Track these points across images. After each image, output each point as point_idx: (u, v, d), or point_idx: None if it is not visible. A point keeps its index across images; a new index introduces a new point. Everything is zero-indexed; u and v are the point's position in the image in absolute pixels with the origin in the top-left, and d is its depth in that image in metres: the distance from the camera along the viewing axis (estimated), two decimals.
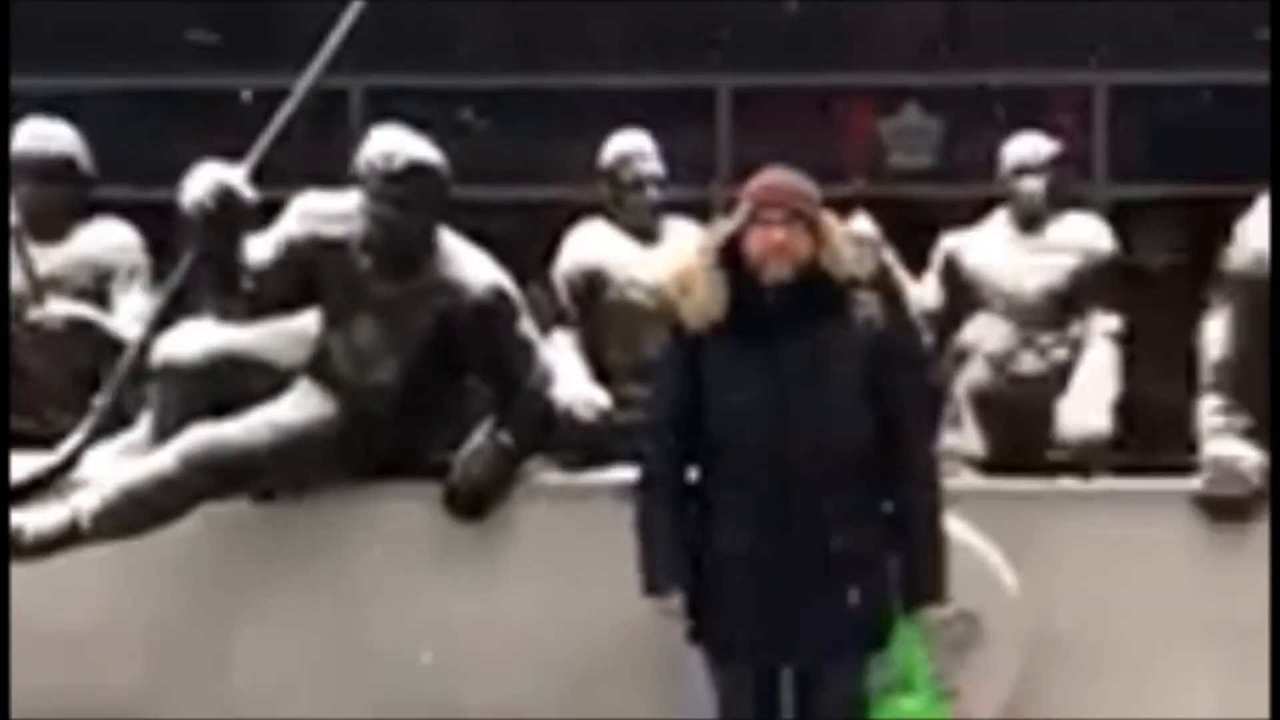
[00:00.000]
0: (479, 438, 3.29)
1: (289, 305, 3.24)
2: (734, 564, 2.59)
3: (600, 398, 3.55)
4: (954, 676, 3.11)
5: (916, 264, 4.11)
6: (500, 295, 3.24)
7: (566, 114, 6.14)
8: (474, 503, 3.26)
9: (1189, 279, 5.46)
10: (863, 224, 3.81)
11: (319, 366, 3.27)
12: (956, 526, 3.05)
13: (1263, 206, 3.39)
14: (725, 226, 2.70)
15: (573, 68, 6.02)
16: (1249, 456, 3.29)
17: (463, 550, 3.29)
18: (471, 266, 3.23)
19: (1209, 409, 3.40)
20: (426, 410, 3.28)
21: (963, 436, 3.92)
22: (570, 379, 3.56)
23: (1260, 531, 3.31)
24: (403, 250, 3.17)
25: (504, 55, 6.03)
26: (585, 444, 3.47)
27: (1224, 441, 3.34)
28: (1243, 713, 3.23)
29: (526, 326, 3.32)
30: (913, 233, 4.30)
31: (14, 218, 3.64)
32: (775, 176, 2.69)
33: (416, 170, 3.11)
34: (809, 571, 2.55)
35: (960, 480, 3.62)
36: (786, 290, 2.61)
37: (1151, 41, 5.76)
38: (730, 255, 2.65)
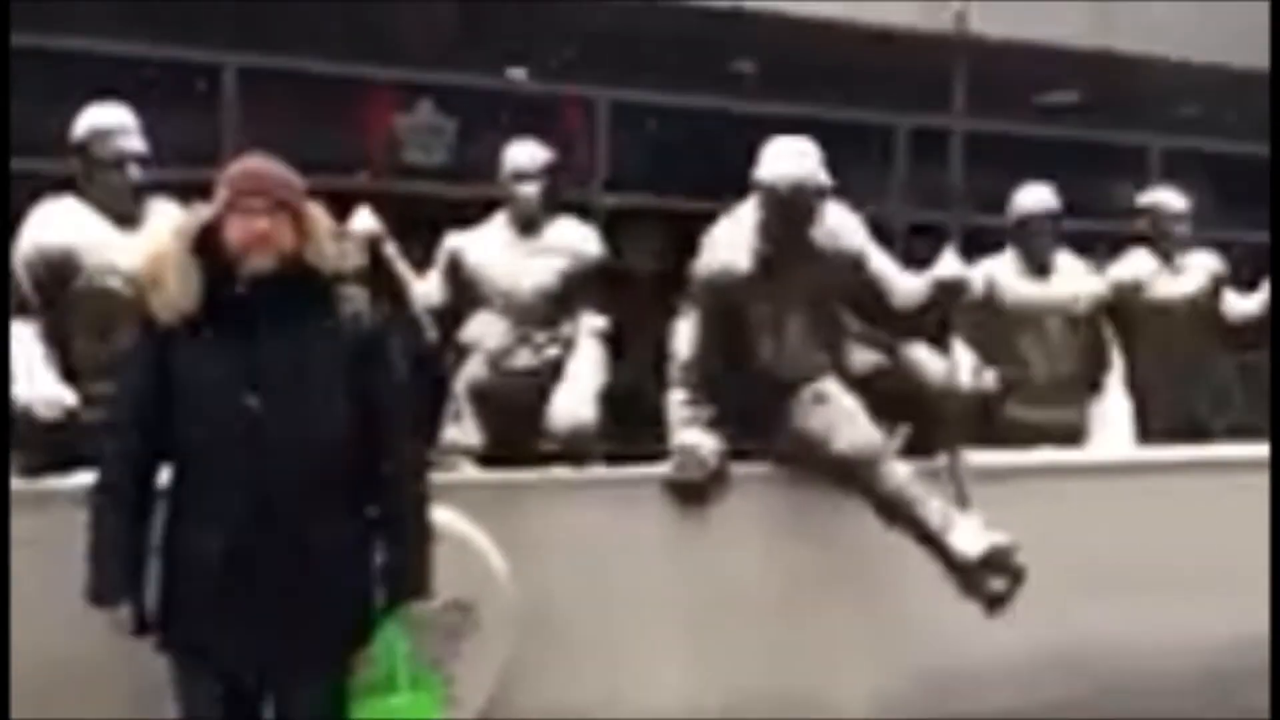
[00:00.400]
0: None
1: None
2: (204, 569, 2.49)
3: (65, 395, 3.26)
4: (448, 665, 3.20)
5: (425, 261, 4.20)
6: None
7: (53, 79, 5.58)
8: None
9: (673, 284, 6.14)
10: (364, 218, 3.84)
11: None
12: (450, 518, 3.17)
13: (724, 222, 3.81)
14: (202, 212, 2.58)
15: (66, 30, 5.48)
16: (708, 444, 3.68)
17: None
18: None
19: (676, 401, 3.77)
20: None
21: (462, 430, 3.99)
22: (31, 375, 3.25)
23: (721, 514, 3.69)
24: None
25: None
26: (47, 446, 3.18)
27: (689, 431, 3.71)
28: (709, 689, 3.59)
29: None
30: (424, 230, 4.37)
31: None
32: (257, 164, 2.61)
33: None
34: (284, 576, 2.49)
35: (454, 473, 3.73)
36: (267, 283, 2.53)
37: (651, 64, 6.21)
38: (207, 244, 2.54)
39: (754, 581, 3.72)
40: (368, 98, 6.32)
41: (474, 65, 6.19)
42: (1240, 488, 4.18)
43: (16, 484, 3.13)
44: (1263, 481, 4.19)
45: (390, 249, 3.90)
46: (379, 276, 3.76)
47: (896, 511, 3.59)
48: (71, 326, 3.49)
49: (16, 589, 2.92)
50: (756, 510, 3.75)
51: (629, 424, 4.24)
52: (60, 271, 3.48)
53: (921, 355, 3.85)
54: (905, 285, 3.81)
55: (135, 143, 3.59)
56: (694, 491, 3.68)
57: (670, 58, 6.15)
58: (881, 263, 3.83)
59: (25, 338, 3.41)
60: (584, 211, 5.02)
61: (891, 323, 3.81)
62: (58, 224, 3.52)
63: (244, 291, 2.52)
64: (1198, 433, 4.70)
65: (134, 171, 3.57)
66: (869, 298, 3.77)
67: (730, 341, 3.74)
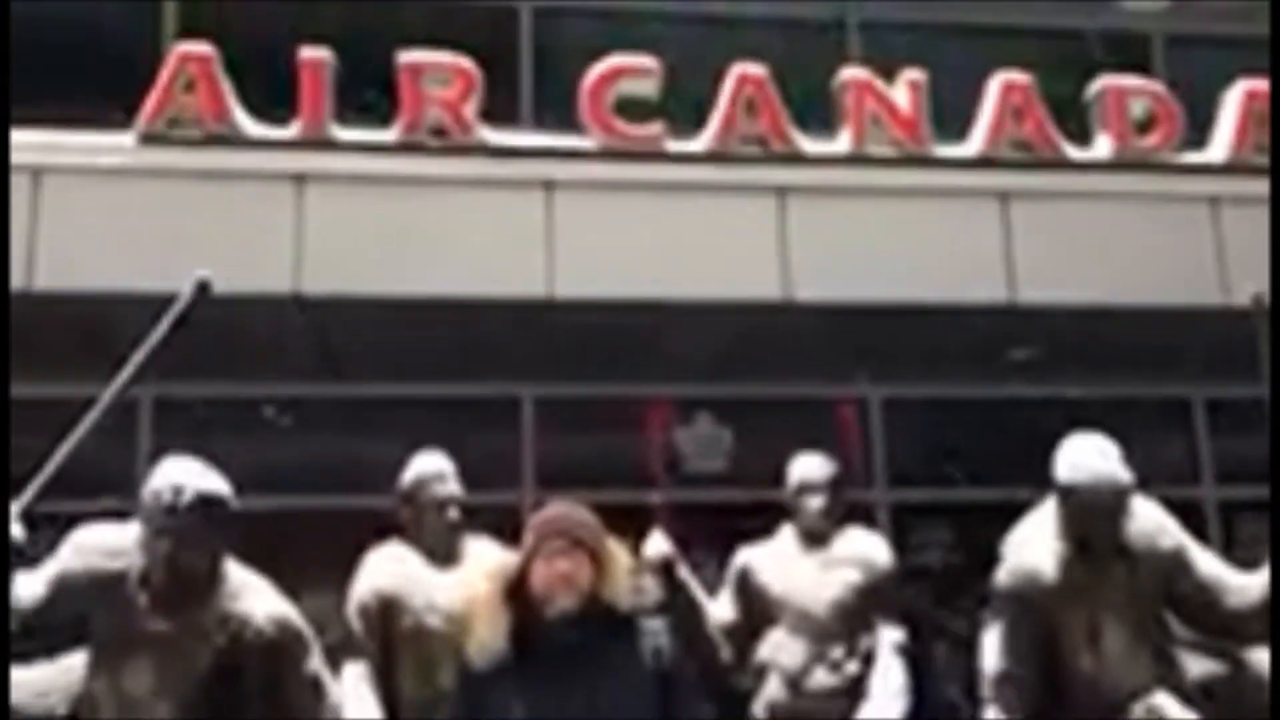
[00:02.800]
0: None
1: (53, 649, 3.04)
2: None
3: None
4: None
5: (709, 566, 4.24)
6: (286, 629, 3.12)
7: (370, 420, 6.19)
8: None
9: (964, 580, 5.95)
10: (658, 542, 3.91)
11: (84, 712, 3.04)
12: None
13: (1024, 524, 3.66)
14: (512, 560, 2.73)
15: (377, 376, 6.11)
16: None
17: None
18: (255, 598, 3.13)
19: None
20: None
21: None
22: (360, 714, 3.41)
23: None
24: (185, 586, 3.05)
25: (305, 363, 6.07)
26: None
27: None
28: None
29: (314, 662, 3.19)
30: (707, 535, 4.42)
31: None
32: (558, 509, 2.76)
33: (205, 503, 3.04)
34: None
35: None
36: (571, 623, 2.62)
37: (919, 357, 6.27)
38: (517, 591, 2.67)
39: None
40: (648, 414, 6.64)
41: (745, 375, 6.43)
42: None
43: None
44: None
45: (684, 572, 3.94)
46: (675, 599, 3.81)
47: None
48: (396, 667, 3.66)
49: None
50: None
51: None
52: (389, 612, 3.68)
53: (1268, 661, 3.47)
54: (1238, 583, 3.49)
55: (453, 487, 3.85)
56: None
57: (943, 353, 6.17)
58: (1205, 561, 3.54)
59: (354, 677, 3.60)
60: (865, 512, 5.00)
61: (1228, 628, 3.47)
62: (388, 569, 3.76)
63: (553, 632, 2.61)
64: None
65: (453, 514, 3.83)
66: (1198, 601, 3.47)
67: (1044, 655, 3.50)
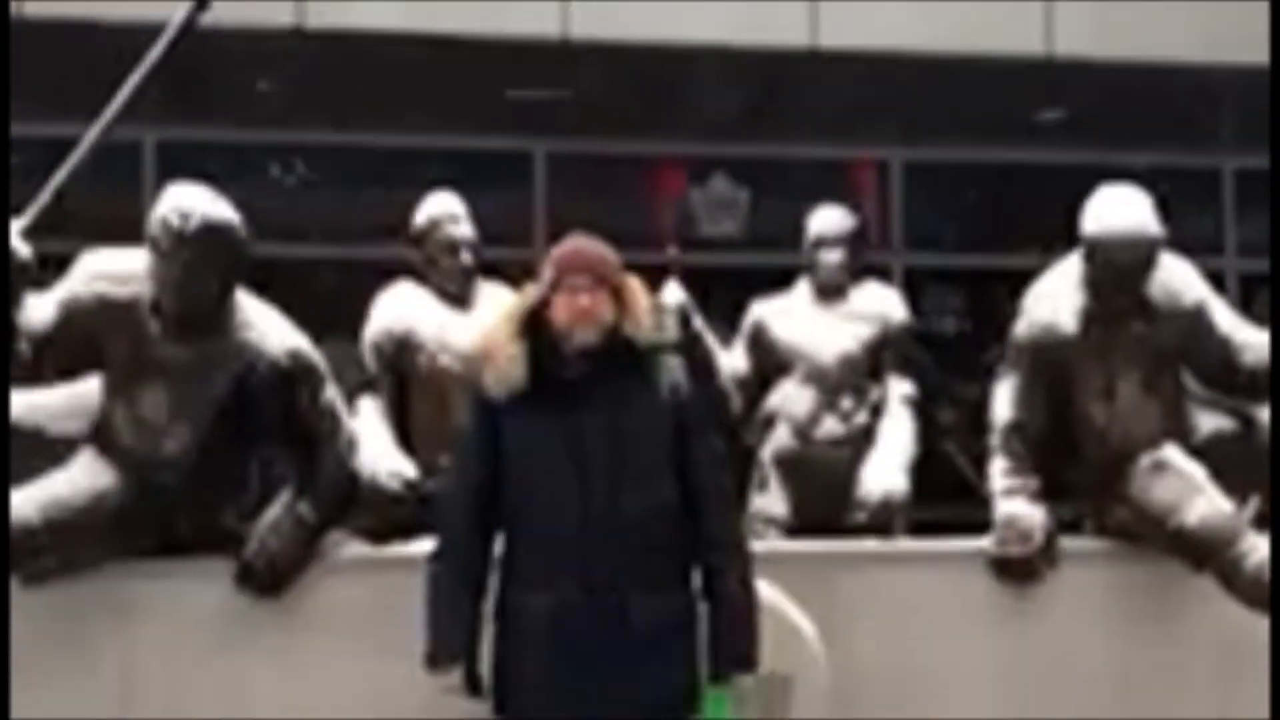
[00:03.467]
0: (276, 509, 3.14)
1: (70, 371, 3.05)
2: (535, 635, 2.56)
3: (406, 467, 3.45)
4: None
5: (724, 330, 4.22)
6: (300, 361, 3.12)
7: (379, 172, 6.07)
8: (272, 578, 3.11)
9: (976, 345, 5.93)
10: (674, 291, 3.89)
11: (102, 437, 3.08)
12: (763, 589, 3.06)
13: (1047, 278, 3.60)
14: (530, 292, 2.69)
15: (385, 126, 5.96)
16: (1035, 516, 3.44)
17: (260, 627, 3.13)
18: (269, 330, 3.11)
19: (999, 470, 3.54)
20: (221, 481, 3.12)
21: (769, 500, 3.97)
22: (375, 447, 3.46)
23: (1048, 591, 3.45)
24: (195, 313, 3.03)
25: (310, 110, 5.92)
26: (390, 514, 3.36)
27: (1013, 502, 3.47)
28: None
29: (329, 393, 3.21)
30: (720, 301, 4.40)
31: None
32: (580, 243, 2.70)
33: (212, 231, 2.98)
34: (612, 643, 2.53)
35: (766, 543, 3.67)
36: (590, 357, 2.60)
37: (945, 117, 6.08)
38: (534, 323, 2.64)
39: (1086, 667, 3.44)
40: (663, 172, 6.51)
41: (764, 136, 6.26)
42: None
43: (362, 550, 3.31)
44: None
45: (698, 321, 3.93)
46: (689, 348, 3.80)
47: (1259, 595, 3.23)
48: (412, 401, 3.72)
49: (362, 652, 3.08)
50: (1090, 589, 3.48)
51: (938, 492, 4.07)
52: (403, 350, 3.72)
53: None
54: (1257, 340, 3.45)
55: (466, 229, 3.80)
56: (1019, 567, 3.45)
57: (969, 112, 5.98)
58: (1226, 319, 3.49)
59: (370, 411, 3.66)
60: (882, 274, 4.95)
61: (1240, 384, 3.46)
62: (400, 308, 3.77)
63: (570, 365, 2.60)
64: None
65: (466, 256, 3.78)
66: (1214, 358, 3.45)
67: (1057, 406, 3.51)
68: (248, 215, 3.06)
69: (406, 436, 3.69)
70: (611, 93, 5.80)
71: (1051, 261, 3.62)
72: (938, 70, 5.53)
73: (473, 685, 2.61)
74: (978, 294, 6.43)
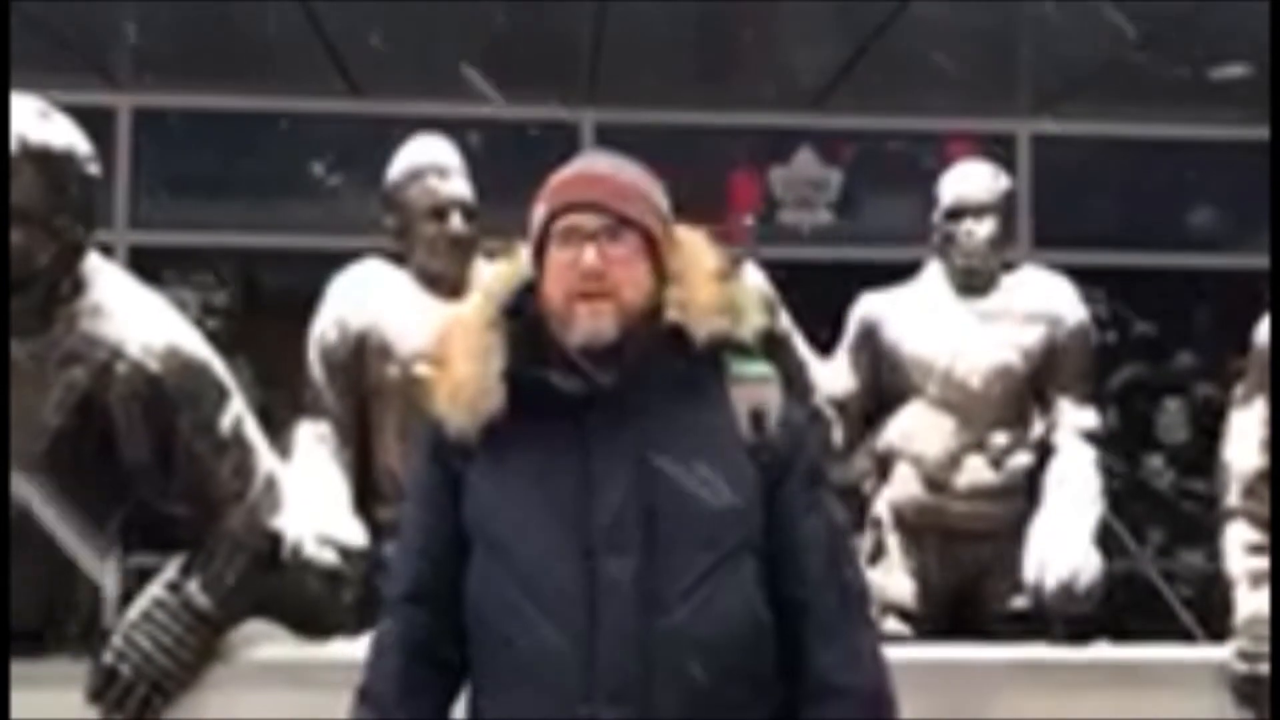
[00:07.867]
0: (153, 590, 2.12)
1: None
2: None
3: (347, 530, 2.42)
4: None
5: (817, 339, 3.23)
6: (173, 363, 2.06)
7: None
8: (145, 696, 2.08)
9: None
10: (753, 274, 2.85)
11: None
12: None
13: None
14: (523, 257, 1.66)
15: (427, 94, 5.19)
16: None
17: None
18: (131, 319, 2.08)
19: (1240, 544, 2.57)
20: (71, 565, 2.12)
21: (889, 575, 2.99)
22: (312, 496, 2.40)
23: None
24: (20, 287, 2.02)
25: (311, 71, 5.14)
26: (325, 600, 2.32)
27: (1262, 594, 2.47)
28: None
29: (231, 414, 2.14)
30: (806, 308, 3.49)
31: None
32: (591, 162, 1.68)
33: (40, 158, 1.98)
34: None
35: (887, 644, 2.66)
36: (609, 360, 1.56)
37: (1074, 90, 5.20)
38: (519, 306, 1.62)
39: None
40: (736, 149, 5.68)
41: (856, 108, 5.41)
42: None
43: (281, 651, 2.28)
44: None
45: (785, 320, 2.93)
46: (772, 356, 2.77)
47: None
48: (375, 429, 2.69)
49: None
50: None
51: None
52: (362, 355, 2.70)
53: None
54: None
55: (458, 185, 2.77)
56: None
57: (1106, 77, 5.00)
58: None
59: (309, 443, 2.62)
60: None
61: None
62: (359, 297, 2.74)
63: (574, 374, 1.56)
64: None
65: (456, 221, 2.72)
66: None
67: None
68: None
69: (368, 479, 2.65)
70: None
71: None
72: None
73: None
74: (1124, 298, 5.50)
